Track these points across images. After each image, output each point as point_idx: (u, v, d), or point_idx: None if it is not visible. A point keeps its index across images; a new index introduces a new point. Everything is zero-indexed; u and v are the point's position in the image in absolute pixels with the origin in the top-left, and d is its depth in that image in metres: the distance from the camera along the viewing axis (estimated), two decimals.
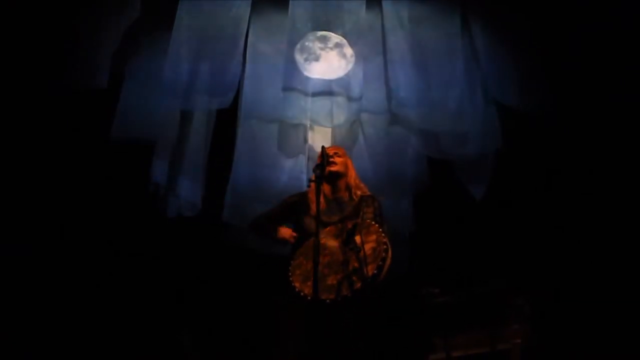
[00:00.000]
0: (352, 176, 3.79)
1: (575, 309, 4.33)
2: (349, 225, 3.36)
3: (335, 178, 3.71)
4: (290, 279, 3.31)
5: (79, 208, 4.84)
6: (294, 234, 3.65)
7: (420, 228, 4.81)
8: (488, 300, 4.11)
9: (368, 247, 3.25)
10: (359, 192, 3.69)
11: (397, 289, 4.30)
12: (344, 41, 4.28)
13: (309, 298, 3.17)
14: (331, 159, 3.67)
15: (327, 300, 3.13)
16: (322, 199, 3.48)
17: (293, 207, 3.78)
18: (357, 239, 3.25)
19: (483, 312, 4.08)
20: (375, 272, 3.16)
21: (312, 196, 3.60)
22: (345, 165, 3.78)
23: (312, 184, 3.43)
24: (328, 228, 3.46)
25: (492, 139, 4.58)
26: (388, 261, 3.24)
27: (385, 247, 3.24)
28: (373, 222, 3.40)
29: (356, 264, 3.17)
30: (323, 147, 3.67)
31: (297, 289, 3.25)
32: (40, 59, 4.43)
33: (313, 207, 3.57)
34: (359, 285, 3.13)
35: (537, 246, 4.73)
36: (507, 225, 4.87)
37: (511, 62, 4.56)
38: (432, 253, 4.89)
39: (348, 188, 3.72)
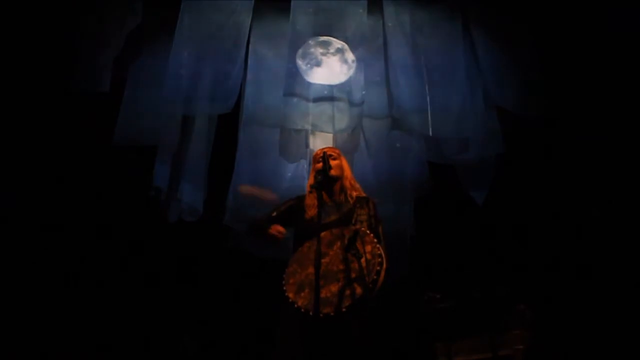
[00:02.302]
0: (348, 177, 3.74)
1: (576, 314, 4.32)
2: (346, 233, 3.28)
3: (331, 182, 3.65)
4: (284, 287, 3.21)
5: (81, 212, 4.85)
6: (281, 229, 3.54)
7: (421, 233, 4.79)
8: (490, 306, 4.10)
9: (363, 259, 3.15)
10: (354, 194, 3.64)
11: (398, 294, 4.30)
12: (346, 46, 4.30)
13: (302, 310, 3.08)
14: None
15: (321, 315, 2.98)
16: (316, 204, 3.42)
17: (289, 211, 3.72)
18: (359, 245, 3.16)
19: (485, 318, 4.07)
20: (370, 285, 3.06)
21: (308, 202, 3.61)
22: (341, 168, 3.73)
23: (314, 190, 3.42)
24: (323, 234, 3.29)
25: (493, 144, 4.59)
26: (382, 274, 3.14)
27: (380, 260, 3.14)
28: (368, 232, 3.30)
29: (355, 274, 3.08)
30: (324, 153, 3.66)
31: (290, 300, 3.14)
32: (43, 62, 4.46)
33: (309, 211, 3.57)
34: (357, 297, 3.03)
35: (539, 251, 4.73)
36: (509, 230, 4.86)
37: (512, 67, 4.59)
38: (433, 258, 4.88)
39: (343, 190, 3.67)
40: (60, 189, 4.77)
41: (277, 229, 3.55)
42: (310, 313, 3.01)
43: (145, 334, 4.73)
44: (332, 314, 3.02)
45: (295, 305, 3.11)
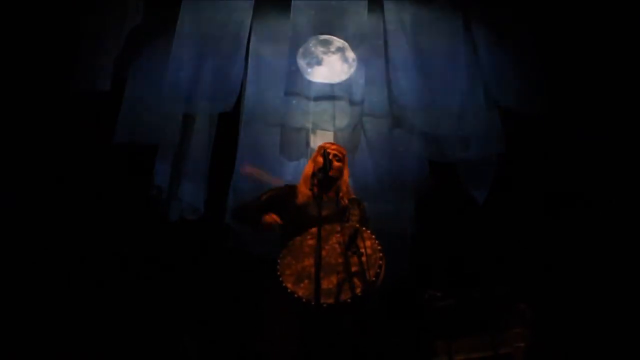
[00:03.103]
0: (345, 182, 3.77)
1: (576, 313, 4.32)
2: (338, 228, 3.30)
3: (329, 182, 3.66)
4: (281, 279, 3.21)
5: (81, 211, 4.84)
6: (277, 220, 3.56)
7: (422, 231, 4.80)
8: (490, 304, 4.10)
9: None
10: (346, 198, 3.65)
11: (399, 292, 4.31)
12: (346, 45, 4.29)
13: (304, 300, 3.09)
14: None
15: (324, 305, 3.01)
16: (309, 194, 3.47)
17: (278, 198, 3.74)
18: (359, 243, 3.18)
19: (485, 316, 4.08)
20: (373, 279, 3.09)
21: (303, 190, 3.63)
22: (341, 171, 3.76)
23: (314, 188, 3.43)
24: (315, 229, 3.27)
25: (494, 143, 4.59)
26: (383, 268, 3.17)
27: (380, 254, 3.18)
28: (365, 228, 3.33)
29: (355, 268, 3.10)
30: (325, 151, 3.66)
31: (289, 290, 3.15)
32: (43, 62, 4.46)
33: (302, 199, 3.60)
34: (359, 290, 3.05)
35: (539, 250, 4.73)
36: (509, 229, 4.86)
37: (513, 66, 4.59)
38: (434, 256, 4.88)
39: (338, 191, 3.69)
40: (60, 189, 4.76)
41: (274, 219, 3.57)
42: (313, 303, 3.00)
43: (146, 334, 4.72)
44: (334, 304, 3.04)
45: (296, 296, 3.12)
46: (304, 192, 3.63)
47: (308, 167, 3.81)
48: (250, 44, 4.56)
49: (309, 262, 3.18)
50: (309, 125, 4.46)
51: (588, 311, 4.33)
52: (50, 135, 4.69)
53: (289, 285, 3.17)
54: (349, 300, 3.05)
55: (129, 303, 4.78)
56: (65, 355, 4.45)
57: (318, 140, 4.48)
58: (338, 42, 4.29)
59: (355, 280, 3.10)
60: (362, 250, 3.16)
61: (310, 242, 3.26)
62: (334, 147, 3.87)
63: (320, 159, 3.58)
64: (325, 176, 3.48)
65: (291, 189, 3.76)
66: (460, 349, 4.10)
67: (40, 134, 4.66)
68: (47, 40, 4.48)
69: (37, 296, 4.58)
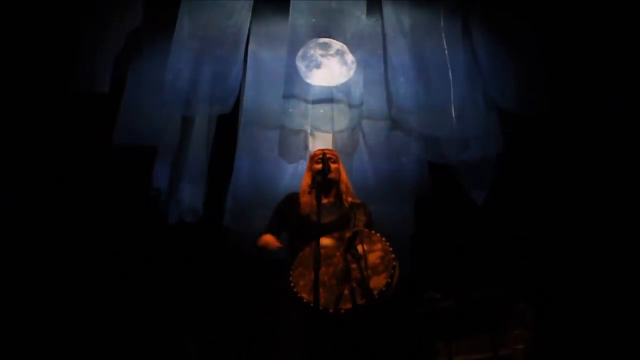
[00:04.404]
0: (344, 181, 3.77)
1: (576, 314, 4.33)
2: (348, 234, 3.27)
3: (329, 185, 3.68)
4: (295, 290, 3.21)
5: (80, 213, 4.85)
6: (278, 244, 3.57)
7: (421, 232, 4.80)
8: (490, 306, 4.10)
9: (375, 256, 3.21)
10: (349, 199, 3.68)
11: (398, 294, 4.30)
12: (345, 48, 4.28)
13: (321, 309, 3.06)
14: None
15: (342, 311, 3.06)
16: (313, 202, 3.44)
17: (283, 215, 3.74)
18: (359, 247, 3.19)
19: (485, 318, 4.08)
20: (388, 280, 3.12)
21: (305, 199, 3.62)
22: (339, 171, 3.77)
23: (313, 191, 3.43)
24: (323, 239, 3.32)
25: (493, 144, 4.59)
26: (397, 270, 3.19)
27: (393, 255, 3.20)
28: (374, 232, 3.34)
29: (358, 274, 3.11)
30: (324, 155, 3.66)
31: (305, 301, 3.15)
32: (43, 62, 4.46)
33: (305, 208, 3.59)
34: (373, 295, 3.07)
35: (539, 251, 4.73)
36: (509, 230, 4.86)
37: (512, 67, 4.57)
38: (433, 258, 4.88)
39: (339, 193, 3.71)
40: (60, 189, 4.77)
41: (273, 241, 3.57)
42: (330, 310, 3.06)
43: (146, 334, 4.73)
44: (351, 310, 3.07)
45: (312, 305, 3.09)
46: (306, 201, 3.61)
47: (306, 178, 3.81)
48: (249, 46, 4.56)
49: (322, 270, 3.13)
50: (308, 128, 4.46)
51: (588, 312, 4.33)
52: (50, 135, 4.69)
53: (304, 295, 3.18)
54: (361, 306, 3.07)
55: (129, 303, 4.79)
56: (66, 355, 4.47)
57: (316, 142, 4.49)
58: (337, 44, 4.27)
59: (367, 285, 3.10)
60: (362, 253, 3.17)
61: (321, 251, 3.18)
62: (326, 150, 3.88)
63: (316, 166, 3.63)
64: (325, 179, 3.49)
65: (292, 199, 3.75)
66: (460, 350, 4.11)
67: (40, 134, 4.66)
68: (47, 40, 4.47)
69: (37, 296, 4.59)
